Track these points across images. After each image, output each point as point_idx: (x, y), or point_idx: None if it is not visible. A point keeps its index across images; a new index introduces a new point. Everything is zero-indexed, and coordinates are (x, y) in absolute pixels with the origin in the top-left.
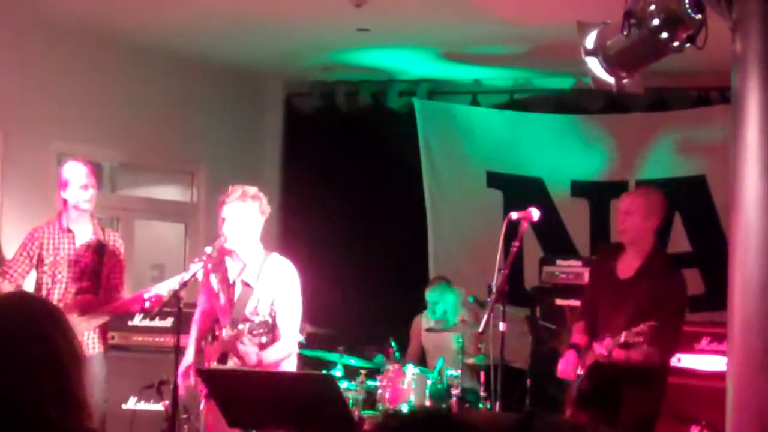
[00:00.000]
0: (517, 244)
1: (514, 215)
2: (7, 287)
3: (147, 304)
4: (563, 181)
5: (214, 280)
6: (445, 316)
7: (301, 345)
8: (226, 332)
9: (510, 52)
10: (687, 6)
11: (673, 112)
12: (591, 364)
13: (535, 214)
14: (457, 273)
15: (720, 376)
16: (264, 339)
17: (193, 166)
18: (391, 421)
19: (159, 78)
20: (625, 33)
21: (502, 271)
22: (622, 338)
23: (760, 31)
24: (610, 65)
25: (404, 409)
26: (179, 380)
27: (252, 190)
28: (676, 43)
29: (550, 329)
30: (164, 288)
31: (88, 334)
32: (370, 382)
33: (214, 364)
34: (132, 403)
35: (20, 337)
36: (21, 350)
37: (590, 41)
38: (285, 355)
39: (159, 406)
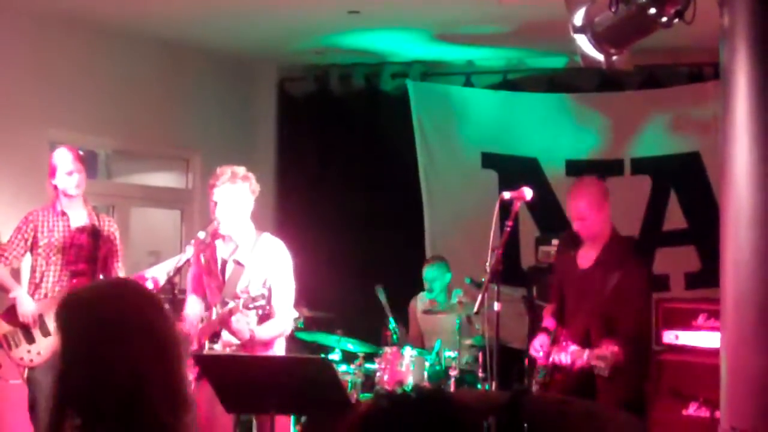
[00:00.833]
0: (510, 223)
1: (506, 195)
2: (2, 270)
3: (150, 285)
4: (558, 161)
5: (201, 259)
6: (440, 295)
7: (296, 327)
8: (216, 311)
9: (502, 32)
10: None
11: (666, 89)
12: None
13: (527, 193)
14: (453, 254)
15: (717, 352)
16: (260, 312)
17: (188, 153)
18: (383, 401)
19: (152, 64)
20: (613, 9)
21: (495, 251)
22: (585, 357)
23: (748, 5)
24: (598, 42)
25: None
26: None
27: (241, 170)
28: (664, 19)
29: None
30: (162, 271)
31: None
32: (368, 365)
33: (206, 344)
34: None
35: (128, 327)
36: (129, 342)
37: (579, 18)
38: (279, 332)
39: None
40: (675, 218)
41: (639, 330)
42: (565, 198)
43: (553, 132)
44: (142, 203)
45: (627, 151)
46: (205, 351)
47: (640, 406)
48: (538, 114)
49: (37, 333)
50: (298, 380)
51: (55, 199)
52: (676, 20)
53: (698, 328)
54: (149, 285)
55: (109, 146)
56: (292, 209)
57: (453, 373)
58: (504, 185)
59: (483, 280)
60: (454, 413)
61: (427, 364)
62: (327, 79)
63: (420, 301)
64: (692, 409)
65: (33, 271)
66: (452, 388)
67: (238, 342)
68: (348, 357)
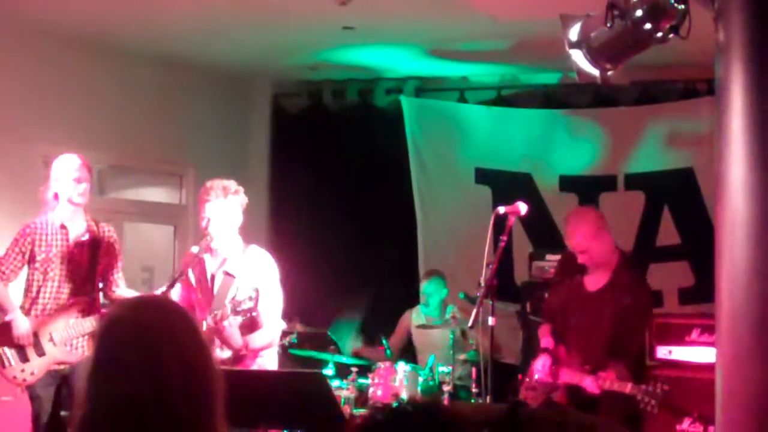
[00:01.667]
0: (504, 238)
1: (501, 209)
2: (1, 288)
3: None
4: (551, 176)
5: (191, 274)
6: (434, 310)
7: (290, 344)
8: (206, 323)
9: (496, 48)
10: None
11: (660, 105)
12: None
13: (522, 208)
14: (447, 269)
15: (711, 367)
16: (249, 315)
17: (182, 168)
18: (379, 414)
19: (146, 79)
20: (608, 24)
21: (490, 266)
22: (589, 382)
23: (743, 20)
24: (594, 57)
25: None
26: None
27: (231, 184)
28: (659, 34)
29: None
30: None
31: (81, 338)
32: (361, 380)
33: None
34: None
35: (161, 354)
36: (160, 368)
37: (574, 33)
38: (268, 342)
39: None
40: (668, 234)
41: (641, 347)
42: (558, 213)
43: (547, 148)
44: (136, 218)
45: (620, 166)
46: None
47: (638, 421)
48: (531, 130)
49: (31, 352)
50: (293, 394)
51: (52, 209)
52: (671, 35)
53: (692, 344)
54: None
55: (102, 161)
56: (286, 224)
57: (446, 388)
58: (498, 201)
59: (477, 295)
60: (450, 425)
61: (420, 379)
62: (321, 94)
63: (415, 315)
64: (686, 424)
65: (29, 285)
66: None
67: (228, 355)
68: (341, 372)
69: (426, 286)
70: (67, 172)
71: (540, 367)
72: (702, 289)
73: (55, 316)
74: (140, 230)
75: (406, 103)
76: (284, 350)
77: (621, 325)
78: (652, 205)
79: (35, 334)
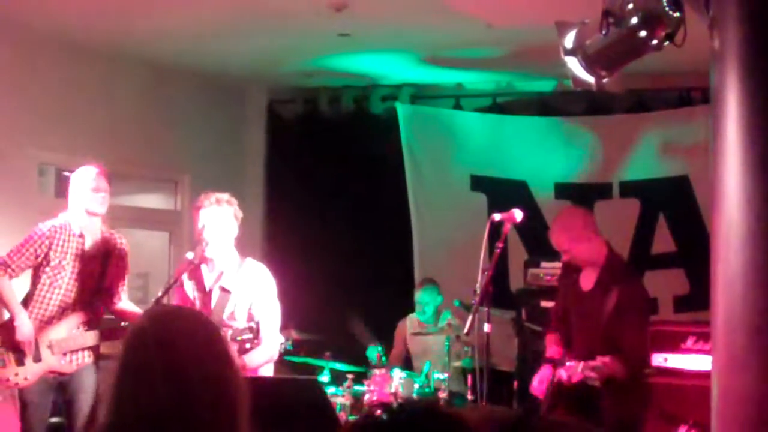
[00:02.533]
0: (500, 245)
1: (497, 216)
2: (9, 288)
3: None
4: (547, 184)
5: (189, 287)
6: (430, 318)
7: (285, 351)
8: None
9: (491, 56)
10: (665, 4)
11: (655, 113)
12: (557, 383)
13: (518, 215)
14: (442, 276)
15: (706, 375)
16: (248, 345)
17: (177, 175)
18: (378, 417)
19: (141, 86)
20: (603, 32)
21: (485, 273)
22: (579, 369)
23: (738, 28)
24: (589, 64)
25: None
26: None
27: (225, 195)
28: (654, 42)
29: (536, 331)
30: None
31: (80, 351)
32: (357, 387)
33: None
34: None
35: (184, 365)
36: (184, 379)
37: (569, 41)
38: (267, 358)
39: None
40: (663, 241)
41: (640, 347)
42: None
43: (542, 155)
44: (131, 225)
45: (616, 174)
46: None
47: (637, 428)
48: (527, 137)
49: (28, 358)
50: (288, 401)
51: (71, 217)
52: (666, 43)
53: (687, 351)
54: None
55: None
56: (281, 231)
57: (442, 395)
58: (493, 208)
59: (473, 302)
60: (452, 425)
61: (416, 386)
62: (316, 101)
63: (410, 322)
64: None
65: (34, 288)
66: None
67: None
68: (337, 378)
69: (421, 295)
70: (85, 182)
71: (536, 383)
72: (697, 297)
73: (57, 323)
74: (135, 237)
75: (402, 110)
76: (279, 357)
77: (614, 322)
78: (647, 212)
79: (36, 341)
